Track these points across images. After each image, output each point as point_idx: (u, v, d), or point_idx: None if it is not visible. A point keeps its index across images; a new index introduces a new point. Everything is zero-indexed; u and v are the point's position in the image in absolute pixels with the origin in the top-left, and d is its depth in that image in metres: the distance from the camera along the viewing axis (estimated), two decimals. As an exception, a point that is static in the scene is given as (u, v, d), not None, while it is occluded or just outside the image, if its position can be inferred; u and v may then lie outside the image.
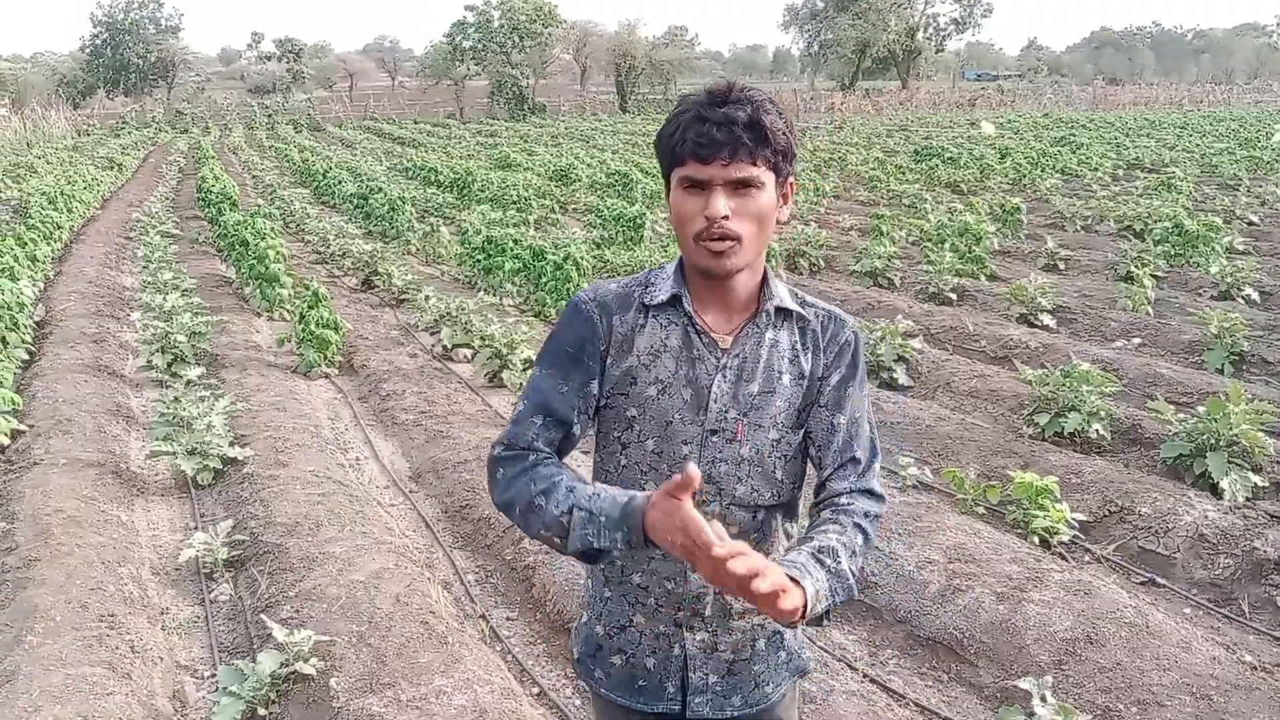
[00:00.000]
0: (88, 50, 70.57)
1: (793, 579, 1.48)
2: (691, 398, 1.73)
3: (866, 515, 1.75)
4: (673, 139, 1.63)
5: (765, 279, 1.76)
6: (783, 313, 1.76)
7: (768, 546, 1.80)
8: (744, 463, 1.74)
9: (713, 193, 1.61)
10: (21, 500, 5.31)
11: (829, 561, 1.61)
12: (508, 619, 4.48)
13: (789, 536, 1.86)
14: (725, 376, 1.73)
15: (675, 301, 1.74)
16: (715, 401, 1.72)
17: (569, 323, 1.78)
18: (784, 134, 1.63)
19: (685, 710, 1.85)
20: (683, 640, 1.81)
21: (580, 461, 5.12)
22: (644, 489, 1.70)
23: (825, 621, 1.65)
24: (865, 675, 3.91)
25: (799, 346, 1.77)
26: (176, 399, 6.29)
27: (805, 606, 1.49)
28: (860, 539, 1.72)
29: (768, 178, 1.63)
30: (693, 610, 1.79)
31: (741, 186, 1.61)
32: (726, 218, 1.61)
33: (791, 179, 1.70)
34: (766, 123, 1.59)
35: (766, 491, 1.77)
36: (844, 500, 1.76)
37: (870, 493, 1.79)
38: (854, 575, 1.66)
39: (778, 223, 1.70)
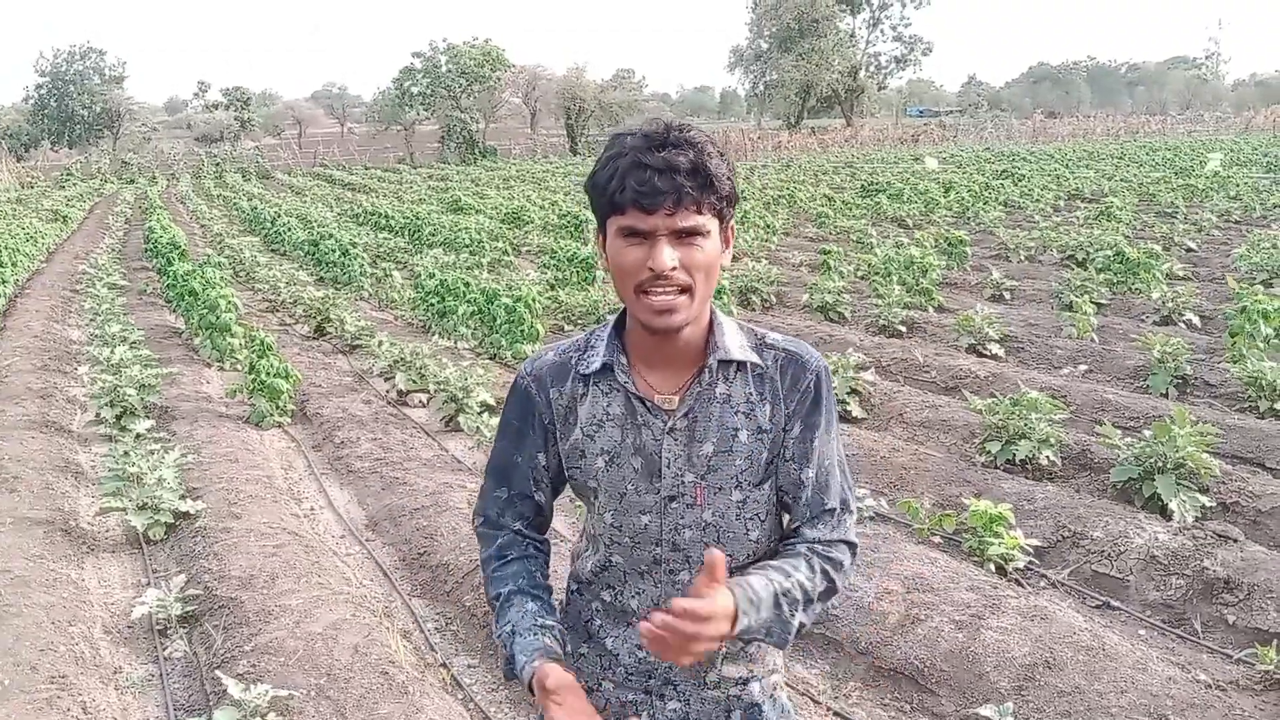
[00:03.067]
0: (31, 102, 69.75)
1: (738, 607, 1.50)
2: (642, 465, 1.64)
3: (838, 565, 1.68)
4: (610, 186, 1.51)
5: (712, 327, 1.65)
6: (733, 364, 1.65)
7: None
8: (708, 527, 1.66)
9: (657, 243, 1.51)
10: (-34, 562, 5.19)
11: (785, 607, 1.57)
12: (469, 666, 4.44)
13: None
14: (675, 439, 1.63)
15: (609, 369, 1.66)
16: (668, 467, 1.64)
17: (510, 398, 1.77)
18: (727, 178, 1.54)
19: None
20: (651, 708, 1.74)
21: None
22: (610, 560, 1.72)
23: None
24: (829, 709, 3.92)
25: (755, 398, 1.65)
26: (126, 453, 6.19)
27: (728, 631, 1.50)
28: (824, 585, 1.65)
29: (712, 225, 1.54)
30: (665, 679, 1.73)
31: (686, 236, 1.51)
32: (674, 269, 1.51)
33: (731, 223, 1.61)
34: (711, 168, 1.50)
35: (740, 553, 1.68)
36: (821, 547, 1.68)
37: (845, 543, 1.70)
38: (798, 627, 1.61)
39: (721, 268, 1.61)
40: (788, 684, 4.02)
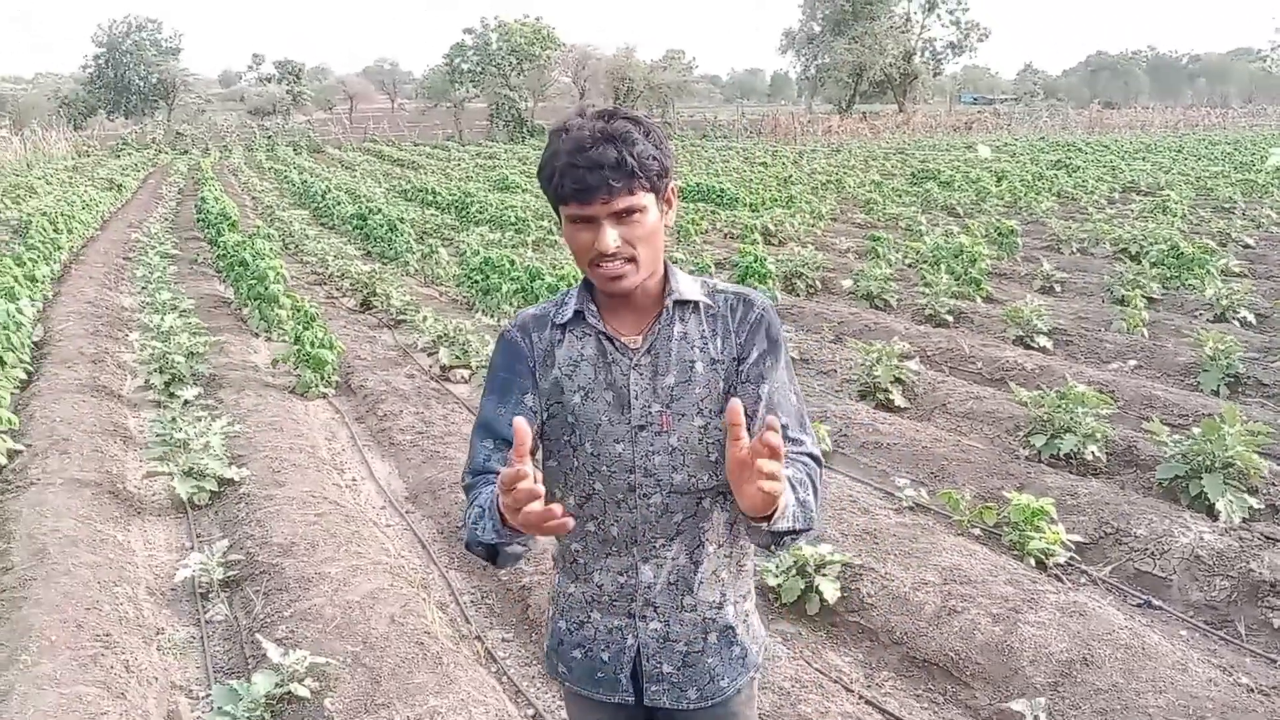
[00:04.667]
0: (89, 71, 70.91)
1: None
2: (613, 399, 1.85)
3: (814, 466, 1.84)
4: (552, 183, 1.73)
5: (667, 275, 1.88)
6: (688, 305, 1.87)
7: (706, 535, 1.90)
8: (675, 451, 1.84)
9: (600, 228, 1.72)
10: (18, 520, 5.31)
11: (799, 491, 1.72)
12: (503, 640, 4.48)
13: (731, 526, 1.93)
14: (641, 373, 1.84)
15: (581, 316, 1.89)
16: (636, 398, 1.84)
17: (498, 351, 1.95)
18: (654, 159, 1.72)
19: (642, 699, 1.98)
20: (636, 631, 1.93)
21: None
22: (594, 490, 1.88)
23: (782, 547, 1.75)
24: (861, 697, 3.91)
25: (708, 334, 1.86)
26: (173, 419, 6.30)
27: (775, 511, 1.61)
28: (810, 491, 1.77)
29: (648, 199, 1.74)
30: (645, 600, 1.91)
31: (625, 215, 1.72)
32: (618, 248, 1.73)
33: (672, 185, 1.81)
34: (634, 158, 1.69)
35: (704, 475, 1.86)
36: (790, 454, 1.82)
37: (809, 455, 1.86)
38: (814, 510, 1.76)
39: (665, 227, 1.82)
40: (820, 670, 4.02)
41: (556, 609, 2.05)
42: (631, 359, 1.85)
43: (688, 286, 1.88)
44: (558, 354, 1.89)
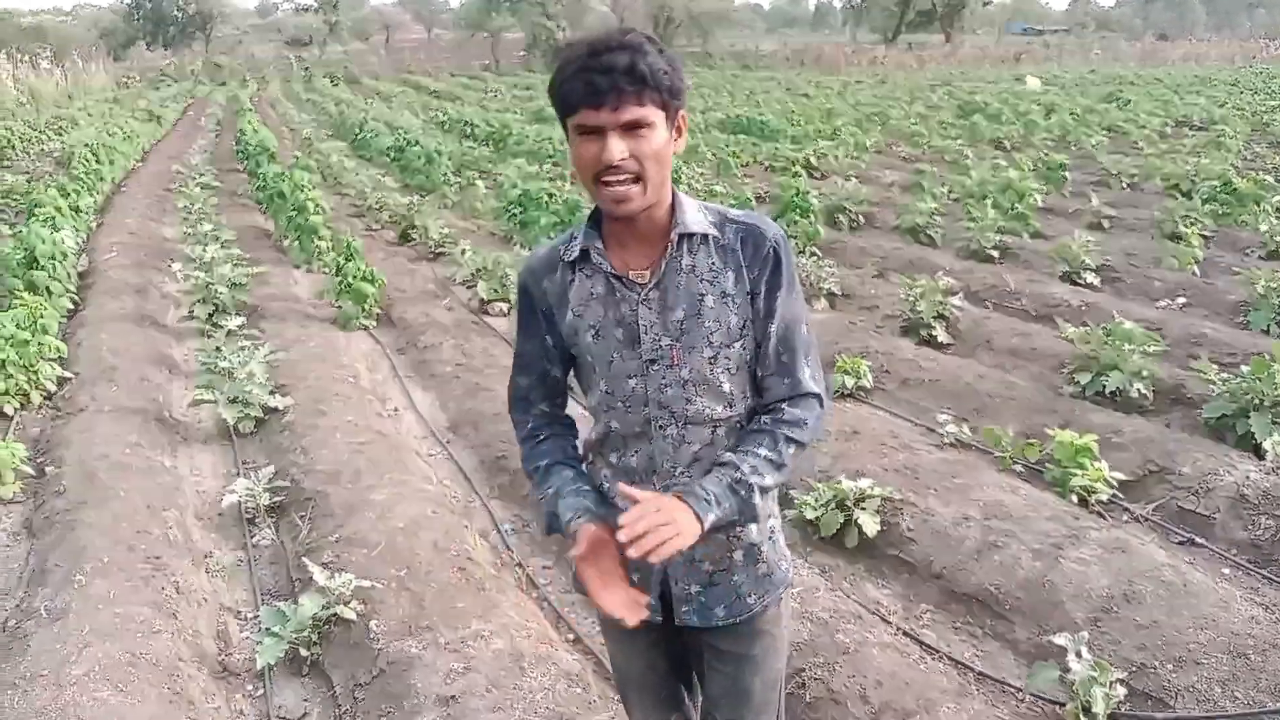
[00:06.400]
0: (127, 2, 70.75)
1: (695, 510, 1.79)
2: (624, 335, 1.88)
3: (801, 424, 1.92)
4: (562, 89, 1.72)
5: (675, 207, 1.86)
6: (696, 237, 1.86)
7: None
8: (687, 384, 1.89)
9: (607, 138, 1.70)
10: (69, 446, 5.43)
11: (741, 493, 1.85)
12: (544, 567, 4.53)
13: None
14: (650, 308, 1.86)
15: (587, 254, 1.89)
16: (646, 333, 1.87)
17: (518, 292, 2.02)
18: (665, 74, 1.70)
19: (673, 619, 2.04)
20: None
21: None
22: (611, 427, 1.97)
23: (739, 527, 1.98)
24: (899, 629, 3.92)
25: (718, 267, 1.86)
26: (218, 348, 6.37)
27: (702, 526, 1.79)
28: (790, 449, 1.90)
29: (657, 116, 1.72)
30: None
31: (633, 128, 1.70)
32: (624, 159, 1.71)
33: (682, 113, 1.79)
34: (646, 65, 1.68)
35: (718, 405, 1.91)
36: (781, 409, 1.93)
37: (806, 396, 1.93)
38: (763, 492, 1.90)
39: (675, 155, 1.80)
40: (859, 603, 4.04)
41: None
42: (640, 294, 1.86)
43: (695, 219, 1.86)
44: (570, 295, 1.92)
